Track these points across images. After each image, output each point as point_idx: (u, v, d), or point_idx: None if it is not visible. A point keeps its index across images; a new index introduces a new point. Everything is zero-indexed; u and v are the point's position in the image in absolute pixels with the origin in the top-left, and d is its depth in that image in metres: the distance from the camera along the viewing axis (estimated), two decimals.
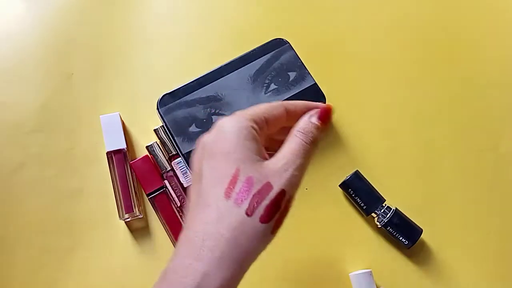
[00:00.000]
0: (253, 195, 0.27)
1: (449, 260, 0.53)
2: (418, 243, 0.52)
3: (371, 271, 0.51)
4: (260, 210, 0.27)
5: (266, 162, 0.29)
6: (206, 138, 0.30)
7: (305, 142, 0.30)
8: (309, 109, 0.33)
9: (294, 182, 0.29)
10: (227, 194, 0.27)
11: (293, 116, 0.32)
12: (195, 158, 0.31)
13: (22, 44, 0.62)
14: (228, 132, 0.29)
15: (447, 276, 0.53)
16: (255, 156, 0.29)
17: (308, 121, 0.31)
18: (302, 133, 0.30)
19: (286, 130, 0.32)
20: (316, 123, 0.31)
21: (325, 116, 0.32)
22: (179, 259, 0.28)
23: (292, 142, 0.30)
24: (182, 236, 0.29)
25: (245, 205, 0.27)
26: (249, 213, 0.27)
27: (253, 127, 0.29)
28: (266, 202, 0.27)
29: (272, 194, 0.27)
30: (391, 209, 0.53)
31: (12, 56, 0.61)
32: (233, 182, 0.28)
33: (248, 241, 0.27)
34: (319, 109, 0.32)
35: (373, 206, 0.53)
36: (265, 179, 0.28)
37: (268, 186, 0.28)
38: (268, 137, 0.32)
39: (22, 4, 0.64)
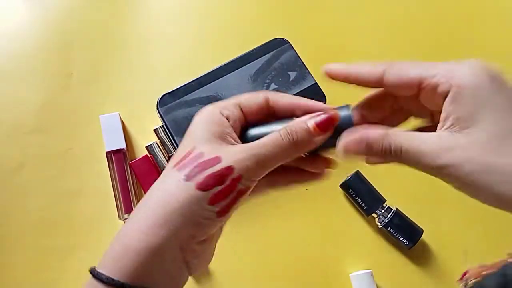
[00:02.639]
0: (197, 164, 0.28)
1: (449, 260, 0.53)
2: (418, 243, 0.52)
3: (371, 272, 0.51)
4: (200, 177, 0.27)
5: (229, 145, 0.29)
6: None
7: (282, 138, 0.29)
8: (299, 107, 0.31)
9: (247, 165, 0.28)
10: (176, 165, 0.29)
11: (281, 107, 0.31)
12: None
13: (22, 44, 0.62)
14: (197, 118, 0.31)
15: (447, 276, 0.53)
16: (215, 139, 0.29)
17: (301, 121, 0.29)
18: (286, 129, 0.29)
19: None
20: (310, 127, 0.29)
21: (325, 124, 0.29)
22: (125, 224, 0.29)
23: (271, 134, 0.29)
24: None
25: (186, 171, 0.28)
26: (186, 178, 0.27)
27: (221, 113, 0.30)
28: (208, 171, 0.27)
29: (217, 167, 0.27)
30: (391, 209, 0.52)
31: (12, 56, 0.61)
32: (186, 156, 0.29)
33: (178, 203, 0.27)
34: (321, 115, 0.29)
35: (374, 207, 0.53)
36: (215, 154, 0.28)
37: (215, 159, 0.28)
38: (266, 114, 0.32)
39: (23, 4, 0.64)
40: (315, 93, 0.56)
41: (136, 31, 0.63)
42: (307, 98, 0.57)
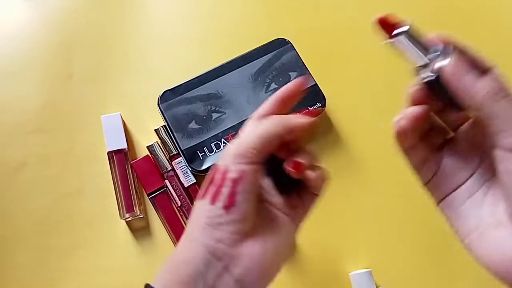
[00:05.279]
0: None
1: (449, 260, 0.53)
2: (418, 242, 0.52)
3: (370, 271, 0.51)
4: (200, 192, 0.32)
5: None
6: None
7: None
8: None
9: (226, 155, 0.31)
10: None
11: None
12: None
13: (23, 45, 0.62)
14: None
15: (448, 275, 0.53)
16: None
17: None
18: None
19: None
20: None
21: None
22: None
23: None
24: None
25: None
26: (197, 199, 0.32)
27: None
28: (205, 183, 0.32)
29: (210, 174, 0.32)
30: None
31: (13, 56, 0.61)
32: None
33: (194, 217, 0.32)
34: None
35: None
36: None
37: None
38: None
39: (23, 4, 0.64)
40: (315, 93, 0.56)
41: (137, 31, 0.63)
42: (307, 98, 0.58)
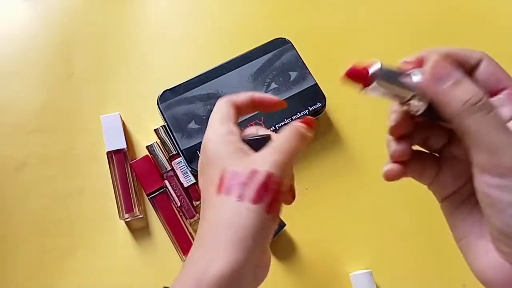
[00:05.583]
0: (241, 183, 0.29)
1: (449, 260, 0.53)
2: (418, 242, 0.52)
3: (371, 271, 0.51)
4: (250, 193, 0.29)
5: (253, 154, 0.31)
6: (199, 159, 0.34)
7: (296, 132, 0.32)
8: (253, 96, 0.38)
9: (280, 164, 0.30)
10: (219, 190, 0.30)
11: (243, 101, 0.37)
12: (199, 179, 0.34)
13: (23, 45, 0.62)
14: (209, 142, 0.33)
15: (448, 275, 0.53)
16: (237, 154, 0.31)
17: (297, 123, 0.33)
18: (295, 127, 0.33)
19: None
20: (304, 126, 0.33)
21: (308, 123, 0.34)
22: (191, 252, 0.30)
23: (288, 130, 0.32)
24: (196, 235, 0.32)
25: (235, 192, 0.29)
26: (239, 199, 0.29)
27: (230, 129, 0.33)
28: (254, 185, 0.29)
29: (259, 177, 0.29)
30: None
31: (13, 57, 0.61)
32: (222, 179, 0.30)
33: (245, 222, 0.28)
34: (302, 119, 0.34)
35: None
36: (250, 167, 0.30)
37: (253, 172, 0.29)
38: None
39: (23, 4, 0.64)
40: (315, 93, 0.56)
41: (136, 31, 0.63)
42: (307, 98, 0.58)
